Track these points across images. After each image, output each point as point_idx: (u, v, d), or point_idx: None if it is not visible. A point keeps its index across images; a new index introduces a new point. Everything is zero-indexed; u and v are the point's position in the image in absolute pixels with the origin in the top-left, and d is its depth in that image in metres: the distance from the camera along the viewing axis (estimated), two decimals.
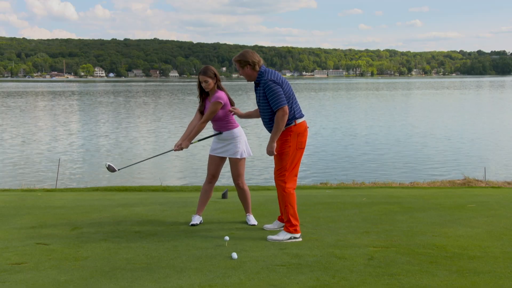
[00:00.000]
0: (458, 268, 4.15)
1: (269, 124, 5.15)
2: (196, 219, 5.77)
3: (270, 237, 5.08)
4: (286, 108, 4.95)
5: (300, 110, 5.17)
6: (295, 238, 5.03)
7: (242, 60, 5.10)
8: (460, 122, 31.40)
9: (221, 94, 5.53)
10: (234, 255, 4.47)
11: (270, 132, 5.14)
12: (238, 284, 3.82)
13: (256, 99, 5.24)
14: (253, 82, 5.24)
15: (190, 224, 5.73)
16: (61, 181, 14.12)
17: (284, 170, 5.07)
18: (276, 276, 3.99)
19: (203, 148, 21.11)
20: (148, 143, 23.02)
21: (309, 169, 16.60)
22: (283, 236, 5.03)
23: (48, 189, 9.91)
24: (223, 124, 5.62)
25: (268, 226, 5.56)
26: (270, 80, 4.98)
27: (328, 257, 4.48)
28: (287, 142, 5.05)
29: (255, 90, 5.25)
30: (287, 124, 5.04)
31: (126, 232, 5.45)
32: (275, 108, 4.96)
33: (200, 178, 15.07)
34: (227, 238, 4.97)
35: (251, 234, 5.31)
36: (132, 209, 6.73)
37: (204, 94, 5.71)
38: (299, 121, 5.08)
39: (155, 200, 7.59)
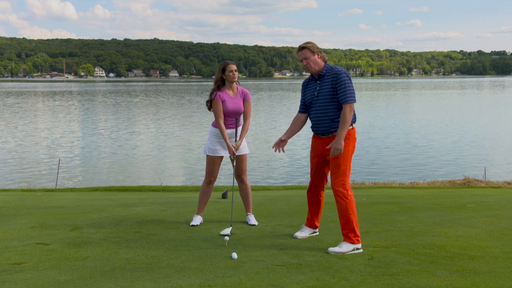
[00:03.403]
0: (458, 268, 4.15)
1: (326, 124, 4.80)
2: (197, 220, 5.78)
3: (331, 249, 4.64)
4: (353, 106, 4.72)
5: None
6: (357, 249, 4.64)
7: (315, 46, 4.80)
8: (460, 122, 31.39)
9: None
10: (234, 255, 4.47)
11: (320, 134, 4.88)
12: (238, 284, 3.82)
13: (311, 94, 4.90)
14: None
15: (190, 224, 5.73)
16: (61, 181, 14.12)
17: (344, 175, 4.72)
18: (276, 276, 3.99)
19: (203, 147, 21.09)
20: (148, 142, 23.02)
21: (309, 169, 16.58)
22: (346, 248, 4.61)
23: (48, 189, 9.90)
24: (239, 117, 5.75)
25: (299, 235, 5.16)
26: (346, 74, 4.75)
27: (328, 257, 4.48)
28: (346, 146, 4.72)
29: (309, 84, 4.96)
30: (349, 125, 4.74)
31: (126, 232, 5.45)
32: (345, 101, 4.66)
33: (200, 178, 15.07)
34: (227, 238, 4.97)
35: (251, 234, 5.31)
36: (132, 209, 6.73)
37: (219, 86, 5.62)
38: (354, 125, 4.87)
39: (155, 200, 7.59)
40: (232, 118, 5.66)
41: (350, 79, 4.74)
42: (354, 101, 4.70)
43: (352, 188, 4.84)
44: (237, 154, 5.69)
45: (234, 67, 5.60)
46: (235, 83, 5.68)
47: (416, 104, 51.51)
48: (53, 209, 6.80)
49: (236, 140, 5.64)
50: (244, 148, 5.75)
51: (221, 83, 5.65)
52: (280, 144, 5.03)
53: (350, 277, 3.94)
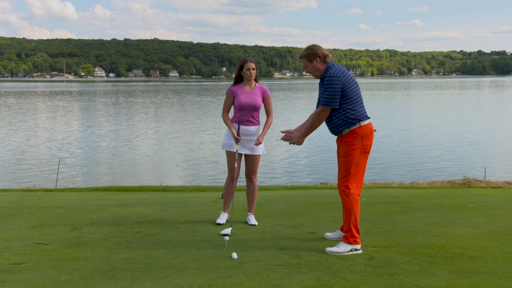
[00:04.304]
0: (458, 268, 4.15)
1: (332, 125, 4.73)
2: (223, 218, 5.81)
3: (328, 249, 4.64)
4: (329, 110, 4.62)
5: (365, 112, 4.75)
6: (355, 250, 4.62)
7: (310, 53, 4.69)
8: (460, 122, 31.40)
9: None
10: (234, 255, 4.47)
11: (332, 133, 4.81)
12: (238, 284, 3.82)
13: (319, 96, 4.83)
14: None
15: (216, 222, 5.76)
16: (61, 181, 14.13)
17: (348, 175, 4.63)
18: (276, 276, 3.99)
19: (203, 147, 21.11)
20: (148, 142, 23.02)
21: (309, 169, 16.61)
22: (344, 248, 4.60)
23: (48, 189, 9.91)
24: (257, 116, 5.77)
25: (329, 235, 5.14)
26: (335, 76, 4.56)
27: (328, 257, 4.48)
28: (351, 145, 4.63)
29: (320, 86, 4.83)
30: (352, 124, 4.62)
31: (126, 232, 5.45)
32: (321, 104, 4.64)
33: (200, 178, 15.08)
34: (227, 238, 4.97)
35: (251, 234, 5.31)
36: (132, 209, 6.73)
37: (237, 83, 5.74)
38: (364, 123, 4.67)
39: (155, 200, 7.60)
40: (248, 113, 5.66)
41: (333, 84, 4.56)
42: (332, 106, 4.59)
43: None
44: (250, 154, 5.70)
45: (252, 65, 5.62)
46: (252, 80, 5.70)
47: (416, 104, 51.52)
48: (53, 209, 6.80)
49: (237, 143, 5.64)
50: (258, 149, 5.74)
51: (239, 79, 5.72)
52: (286, 136, 4.96)
53: (350, 277, 3.94)
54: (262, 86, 5.78)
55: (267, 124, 5.74)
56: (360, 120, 4.66)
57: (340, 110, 4.63)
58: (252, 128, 5.69)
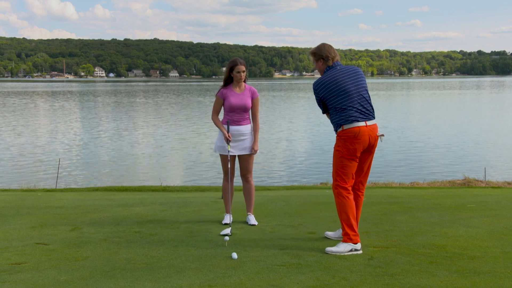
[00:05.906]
0: (458, 268, 4.15)
1: (332, 124, 4.86)
2: (227, 218, 5.82)
3: (328, 248, 4.63)
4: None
5: (353, 116, 4.62)
6: (356, 250, 4.59)
7: (317, 53, 4.82)
8: (460, 122, 31.40)
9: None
10: (234, 255, 4.47)
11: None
12: (238, 284, 3.82)
13: None
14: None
15: (223, 222, 5.78)
16: (61, 181, 14.13)
17: (335, 174, 4.75)
18: (276, 276, 3.99)
19: (204, 147, 21.10)
20: (148, 142, 23.02)
21: (309, 169, 16.61)
22: (343, 247, 4.59)
23: (48, 189, 9.92)
24: (247, 116, 5.75)
25: (329, 234, 5.17)
26: (314, 88, 4.78)
27: (328, 257, 4.48)
28: (336, 145, 4.76)
29: None
30: (338, 126, 4.70)
31: (126, 232, 5.45)
32: None
33: (200, 178, 15.07)
34: (227, 238, 4.97)
35: (251, 234, 5.31)
36: (132, 209, 6.73)
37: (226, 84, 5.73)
38: (347, 127, 4.61)
39: (155, 200, 7.60)
40: (238, 114, 5.65)
41: (314, 90, 4.78)
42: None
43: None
44: (243, 154, 5.70)
45: (242, 68, 5.57)
46: (242, 81, 5.68)
47: (416, 104, 51.52)
48: (53, 209, 6.80)
49: (229, 144, 5.63)
50: (249, 148, 5.72)
51: (229, 81, 5.68)
52: None
53: (350, 277, 3.94)
54: (251, 88, 5.76)
55: (256, 131, 5.74)
56: (343, 124, 4.65)
57: (330, 112, 4.80)
58: (242, 127, 5.68)
